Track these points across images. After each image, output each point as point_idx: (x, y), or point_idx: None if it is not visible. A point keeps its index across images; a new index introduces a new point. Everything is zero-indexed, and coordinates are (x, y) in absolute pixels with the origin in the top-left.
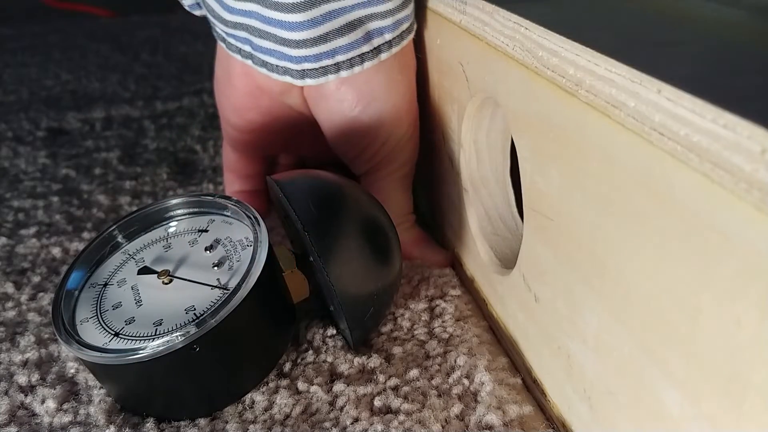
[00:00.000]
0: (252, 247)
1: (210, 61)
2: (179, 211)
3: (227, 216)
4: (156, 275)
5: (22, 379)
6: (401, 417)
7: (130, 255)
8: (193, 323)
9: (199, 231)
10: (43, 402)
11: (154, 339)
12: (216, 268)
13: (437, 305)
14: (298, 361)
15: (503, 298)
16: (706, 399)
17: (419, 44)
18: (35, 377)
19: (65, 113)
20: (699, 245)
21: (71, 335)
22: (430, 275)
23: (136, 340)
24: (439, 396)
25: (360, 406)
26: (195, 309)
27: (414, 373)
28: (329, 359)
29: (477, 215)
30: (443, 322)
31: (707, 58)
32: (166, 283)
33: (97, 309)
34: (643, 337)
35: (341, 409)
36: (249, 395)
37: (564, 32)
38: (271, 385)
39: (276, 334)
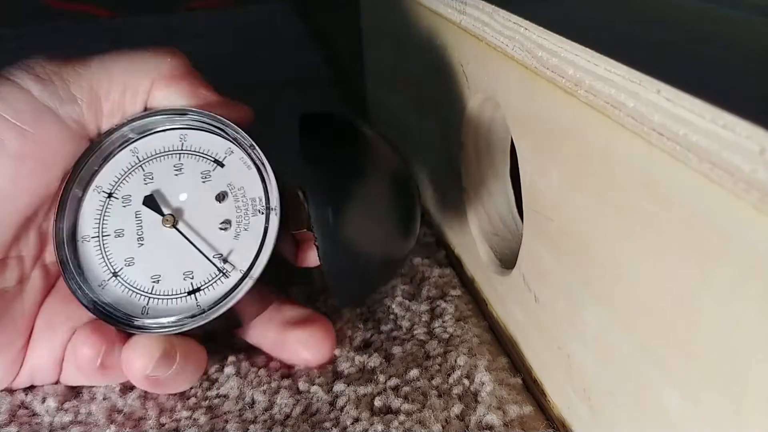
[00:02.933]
0: (264, 218)
1: (210, 61)
2: (198, 121)
3: (247, 156)
4: (161, 218)
5: None
6: (401, 417)
7: (138, 160)
8: (190, 310)
9: (215, 162)
10: (43, 401)
11: (149, 300)
12: (222, 230)
13: (437, 305)
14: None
15: (503, 299)
16: (705, 399)
17: (419, 45)
18: None
19: None
20: (698, 245)
21: (66, 254)
22: (431, 275)
23: (133, 291)
24: (440, 396)
25: (360, 406)
26: (193, 278)
27: (414, 373)
28: (331, 359)
29: (477, 215)
30: (443, 322)
31: (707, 58)
32: (168, 228)
33: (99, 228)
34: (643, 337)
35: (341, 409)
36: (249, 394)
37: (563, 32)
38: (272, 384)
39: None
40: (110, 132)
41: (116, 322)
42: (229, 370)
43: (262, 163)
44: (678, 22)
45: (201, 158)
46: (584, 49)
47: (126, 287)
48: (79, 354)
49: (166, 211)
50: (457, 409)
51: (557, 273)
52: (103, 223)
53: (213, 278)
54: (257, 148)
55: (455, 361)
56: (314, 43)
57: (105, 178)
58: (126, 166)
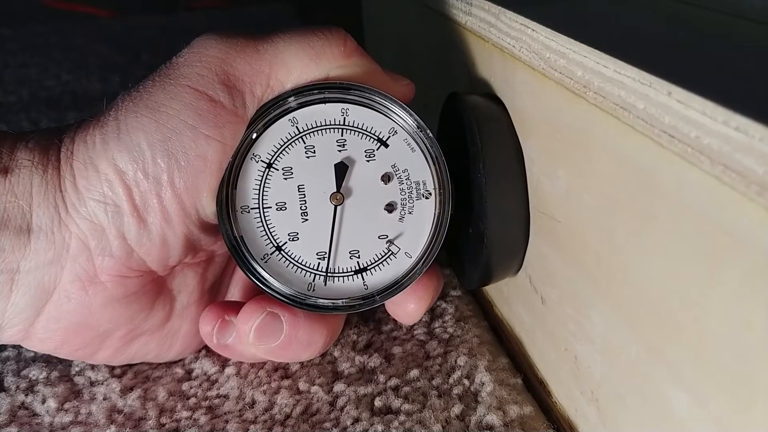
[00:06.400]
0: (432, 203)
1: None
2: (359, 96)
3: (411, 138)
4: (330, 194)
5: (22, 378)
6: (402, 417)
7: (299, 131)
8: (357, 289)
9: (379, 141)
10: (43, 402)
11: (315, 277)
12: (387, 212)
13: (438, 305)
14: (302, 362)
15: (509, 300)
16: (714, 401)
17: (423, 46)
18: (35, 376)
19: (66, 114)
20: (708, 247)
21: (231, 226)
22: None
23: (297, 267)
24: (440, 396)
25: (360, 407)
26: (359, 256)
27: (414, 373)
28: (332, 360)
29: None
30: (444, 322)
31: (718, 60)
32: (335, 205)
33: (259, 198)
34: (651, 338)
35: (342, 409)
36: (250, 394)
37: (571, 34)
38: (272, 384)
39: None
40: (272, 102)
41: (284, 298)
42: (229, 370)
43: (432, 145)
44: (688, 23)
45: (364, 136)
46: (593, 51)
47: (290, 262)
48: (200, 330)
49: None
50: (457, 409)
51: (564, 274)
52: (263, 195)
53: (379, 259)
54: (428, 130)
55: (455, 362)
56: None
57: (263, 147)
58: (285, 135)
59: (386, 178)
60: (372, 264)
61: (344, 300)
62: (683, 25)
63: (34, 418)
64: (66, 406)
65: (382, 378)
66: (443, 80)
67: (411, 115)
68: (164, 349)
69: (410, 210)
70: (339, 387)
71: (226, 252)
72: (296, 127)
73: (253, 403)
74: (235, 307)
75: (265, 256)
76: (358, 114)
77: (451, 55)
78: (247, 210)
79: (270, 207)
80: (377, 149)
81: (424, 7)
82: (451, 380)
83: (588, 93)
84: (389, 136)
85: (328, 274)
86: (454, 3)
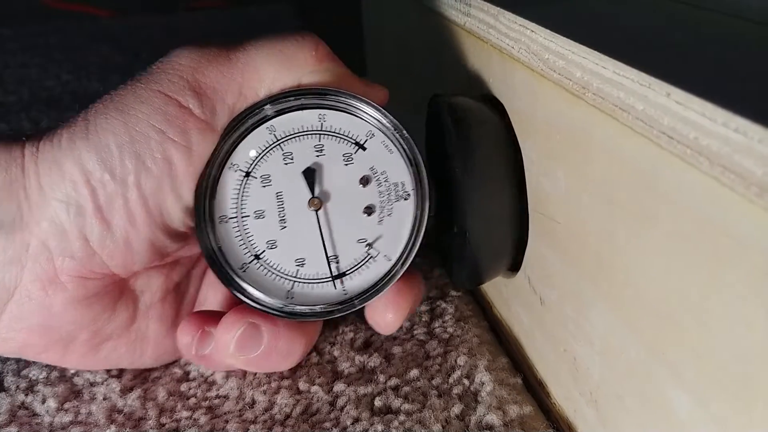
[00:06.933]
0: (411, 204)
1: None
2: (335, 101)
3: (389, 140)
4: (307, 199)
5: (22, 378)
6: (401, 417)
7: (276, 139)
8: (335, 295)
9: (356, 144)
10: (43, 402)
11: (293, 284)
12: (366, 215)
13: (438, 305)
14: (302, 362)
15: (508, 301)
16: (715, 402)
17: (423, 47)
18: (35, 376)
19: (66, 114)
20: (708, 249)
21: (208, 236)
22: (431, 276)
23: (276, 275)
24: (440, 396)
25: (360, 407)
26: (338, 261)
27: (414, 373)
28: (331, 360)
29: None
30: (443, 322)
31: (717, 61)
32: (313, 210)
33: (238, 208)
34: (652, 340)
35: (342, 409)
36: (250, 394)
37: (570, 34)
38: (272, 384)
39: None
40: (249, 110)
41: (263, 307)
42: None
43: (409, 146)
44: (687, 24)
45: (342, 140)
46: (592, 52)
47: (269, 270)
48: (178, 341)
49: (315, 191)
50: (457, 409)
51: (563, 275)
52: (241, 203)
53: (359, 263)
54: (404, 131)
55: (455, 361)
56: None
57: (241, 156)
58: (263, 143)
59: (365, 180)
60: (351, 269)
61: (322, 306)
62: (682, 26)
63: (34, 418)
64: (66, 406)
65: (382, 378)
66: (442, 81)
67: (387, 116)
68: (136, 354)
69: (389, 212)
70: (339, 387)
71: (193, 254)
72: (274, 134)
73: (253, 403)
74: (214, 317)
75: (244, 265)
76: (335, 119)
77: (450, 55)
78: (225, 220)
79: (248, 215)
80: (355, 152)
81: (423, 8)
82: (450, 380)
83: (587, 94)
84: (366, 139)
85: (306, 281)
86: (453, 4)
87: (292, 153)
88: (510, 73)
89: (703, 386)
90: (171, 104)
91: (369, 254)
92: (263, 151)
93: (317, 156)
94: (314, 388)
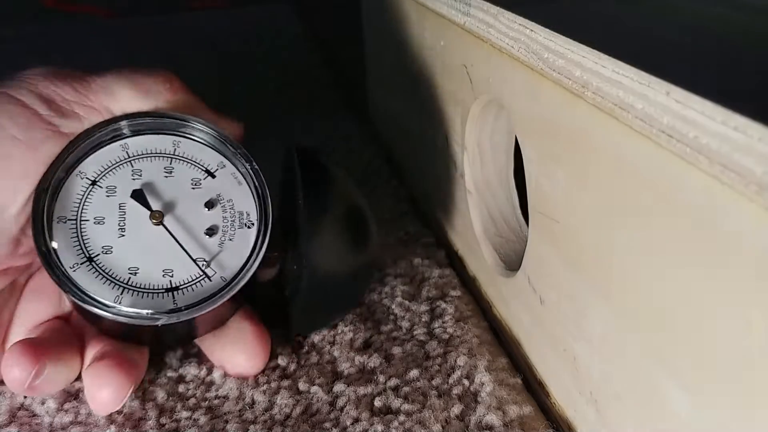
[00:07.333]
0: (253, 232)
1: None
2: (193, 131)
3: (239, 171)
4: (148, 213)
5: None
6: (401, 417)
7: (128, 156)
8: (166, 306)
9: (207, 172)
10: (43, 402)
11: (123, 291)
12: (207, 236)
13: (437, 306)
14: (302, 362)
15: (508, 300)
16: (715, 402)
17: (422, 46)
18: None
19: None
20: (708, 247)
21: (44, 234)
22: (431, 276)
23: (107, 279)
24: (440, 396)
25: (360, 407)
26: (172, 276)
27: (414, 373)
28: (331, 360)
29: (480, 217)
30: (443, 322)
31: (717, 60)
32: (154, 224)
33: (78, 212)
34: (651, 339)
35: (341, 409)
36: (249, 394)
37: (569, 34)
38: (272, 385)
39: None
40: (105, 123)
41: (92, 305)
42: None
43: (258, 180)
44: (687, 23)
45: (193, 166)
46: (591, 51)
47: (100, 273)
48: (6, 376)
49: (154, 207)
50: (457, 409)
51: (563, 275)
52: (83, 208)
53: (193, 280)
54: (254, 163)
55: (455, 362)
56: (315, 43)
57: (90, 166)
58: (114, 158)
59: (210, 204)
60: (184, 284)
61: (149, 311)
62: (681, 25)
63: (34, 418)
64: (66, 406)
65: (381, 378)
66: (442, 81)
67: (239, 149)
68: None
69: (231, 237)
70: (339, 387)
71: (21, 264)
72: (126, 152)
73: (252, 404)
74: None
75: (75, 265)
76: (188, 147)
77: (449, 55)
78: (63, 220)
79: (88, 220)
80: (204, 179)
81: (422, 8)
82: (450, 380)
83: (586, 93)
84: (217, 169)
85: (137, 289)
86: (453, 3)
87: (141, 170)
88: (510, 72)
89: (701, 386)
90: (17, 105)
91: (205, 273)
92: (114, 164)
93: (166, 177)
94: (314, 389)
